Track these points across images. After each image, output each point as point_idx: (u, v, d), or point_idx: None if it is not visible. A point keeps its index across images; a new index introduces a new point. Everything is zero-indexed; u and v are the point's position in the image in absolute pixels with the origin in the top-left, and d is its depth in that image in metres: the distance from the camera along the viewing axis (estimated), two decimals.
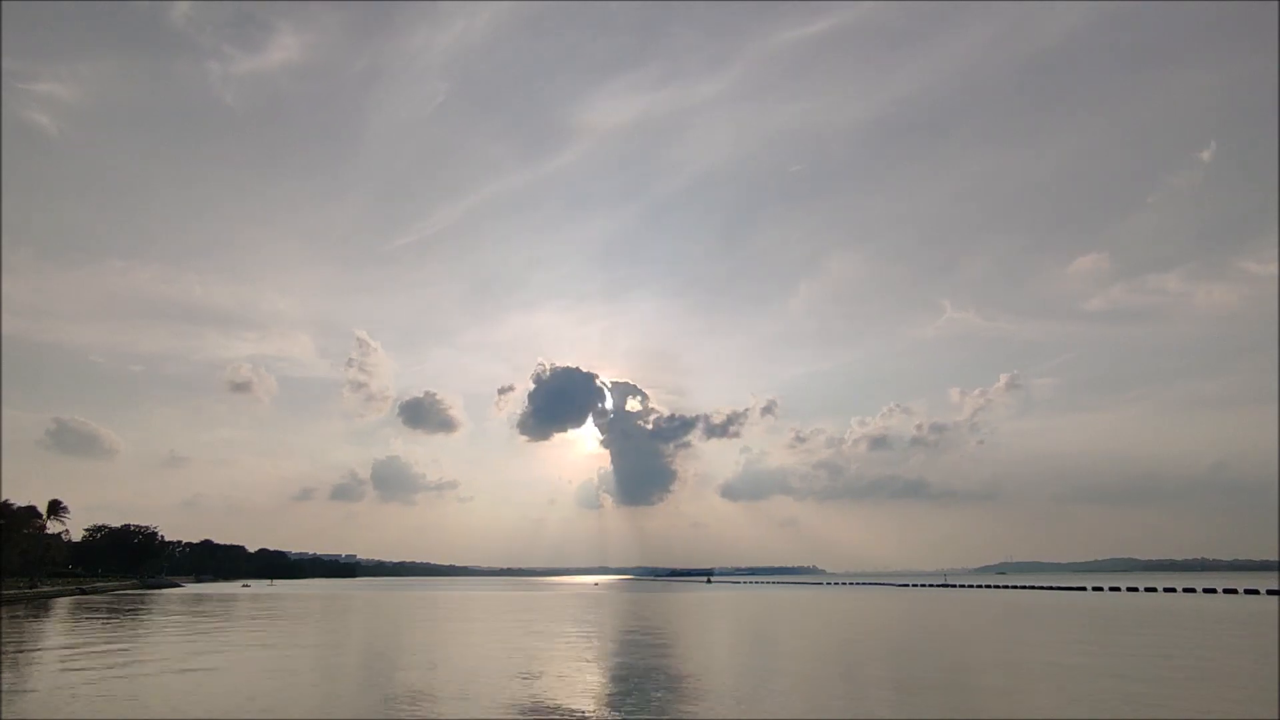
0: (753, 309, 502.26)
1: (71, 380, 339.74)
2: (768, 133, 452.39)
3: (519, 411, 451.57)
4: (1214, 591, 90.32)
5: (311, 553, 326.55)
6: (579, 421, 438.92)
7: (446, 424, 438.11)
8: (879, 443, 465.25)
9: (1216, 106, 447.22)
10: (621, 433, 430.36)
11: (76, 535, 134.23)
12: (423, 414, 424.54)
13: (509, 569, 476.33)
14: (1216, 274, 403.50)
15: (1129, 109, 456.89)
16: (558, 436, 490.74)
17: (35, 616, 50.23)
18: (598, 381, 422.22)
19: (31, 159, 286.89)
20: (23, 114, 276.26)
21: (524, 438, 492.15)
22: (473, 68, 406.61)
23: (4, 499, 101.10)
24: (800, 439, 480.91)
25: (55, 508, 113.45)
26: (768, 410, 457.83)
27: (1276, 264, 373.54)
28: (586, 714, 16.14)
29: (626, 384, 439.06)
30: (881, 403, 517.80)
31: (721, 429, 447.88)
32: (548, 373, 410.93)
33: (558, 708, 16.71)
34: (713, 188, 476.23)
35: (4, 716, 16.41)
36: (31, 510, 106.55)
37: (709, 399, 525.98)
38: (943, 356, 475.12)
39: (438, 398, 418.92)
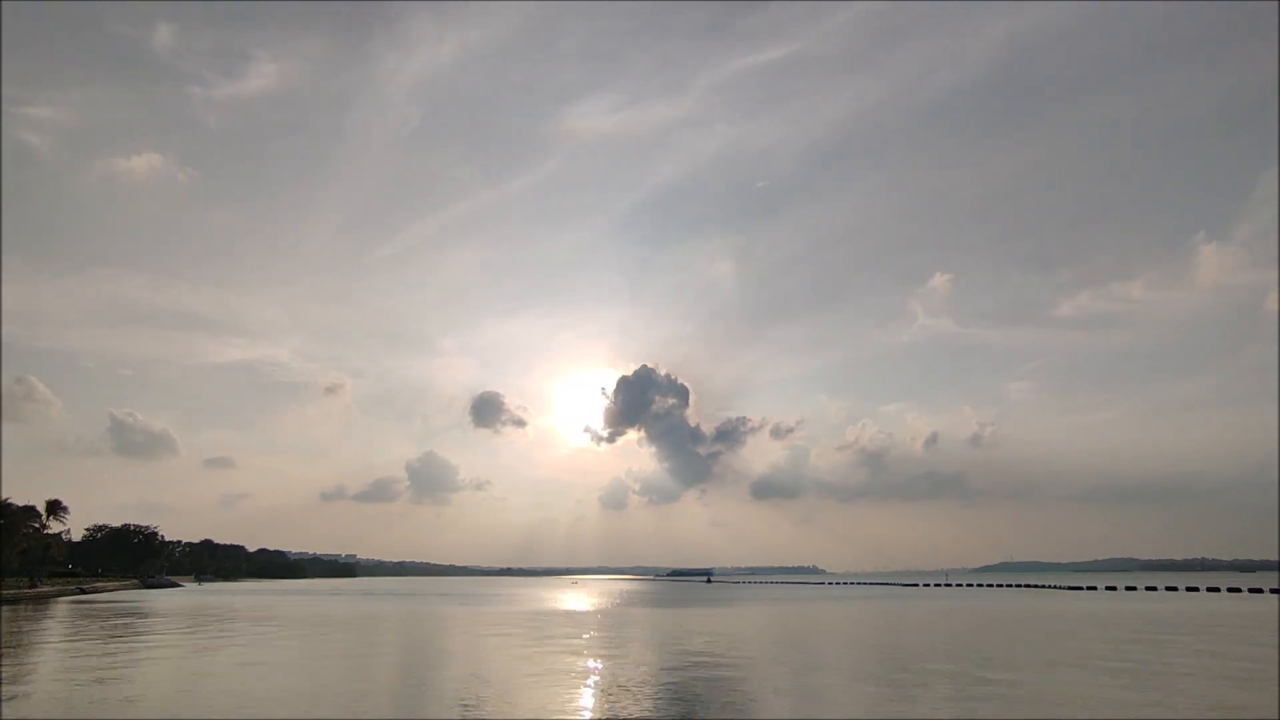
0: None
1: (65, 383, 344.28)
2: (717, 152, 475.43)
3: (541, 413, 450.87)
4: (1217, 590, 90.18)
5: (311, 553, 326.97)
6: (631, 421, 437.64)
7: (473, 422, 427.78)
8: (875, 444, 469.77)
9: (1172, 120, 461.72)
10: (659, 433, 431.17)
11: (76, 535, 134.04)
12: (483, 411, 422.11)
13: (509, 569, 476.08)
14: (1176, 282, 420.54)
15: (1074, 129, 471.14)
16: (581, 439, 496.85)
17: (35, 616, 50.04)
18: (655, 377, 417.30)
19: (23, 175, 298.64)
20: (16, 135, 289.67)
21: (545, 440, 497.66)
22: (441, 93, 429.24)
23: (4, 499, 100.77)
24: (799, 440, 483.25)
25: (55, 507, 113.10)
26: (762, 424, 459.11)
27: (1235, 272, 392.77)
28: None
29: (677, 382, 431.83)
30: (862, 406, 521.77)
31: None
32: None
33: None
34: (673, 203, 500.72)
35: (4, 717, 16.22)
36: (31, 510, 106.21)
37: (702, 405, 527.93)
38: (916, 363, 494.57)
39: (498, 396, 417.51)
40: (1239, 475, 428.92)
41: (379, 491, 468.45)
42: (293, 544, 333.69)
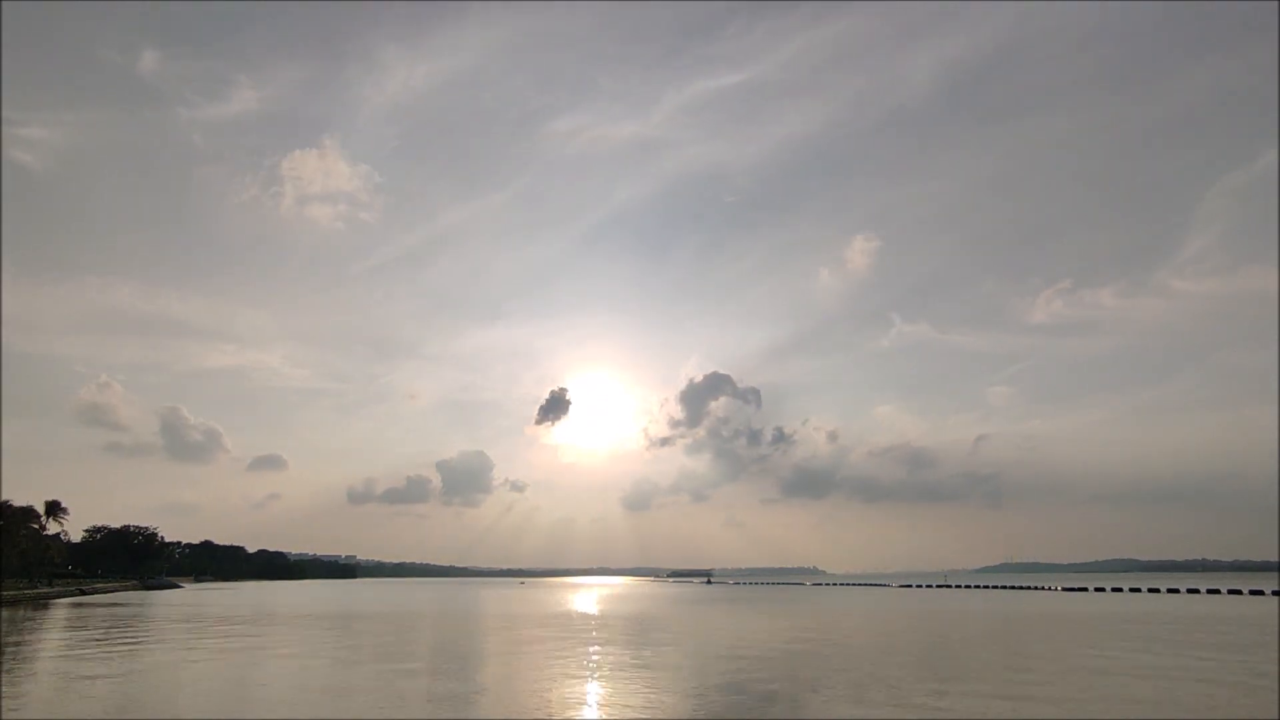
0: (688, 323, 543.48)
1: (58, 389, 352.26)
2: (679, 170, 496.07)
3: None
4: (1218, 592, 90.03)
5: (311, 553, 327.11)
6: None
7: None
8: (875, 445, 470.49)
9: (1126, 134, 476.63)
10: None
11: (76, 536, 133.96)
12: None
13: (510, 569, 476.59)
14: (1145, 289, 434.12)
15: (1026, 143, 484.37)
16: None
17: (34, 617, 49.93)
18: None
19: (15, 191, 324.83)
20: (11, 154, 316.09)
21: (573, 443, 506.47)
22: (416, 116, 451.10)
23: (4, 499, 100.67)
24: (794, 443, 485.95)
25: (54, 508, 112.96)
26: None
27: (1198, 280, 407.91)
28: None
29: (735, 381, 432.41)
30: (851, 409, 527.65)
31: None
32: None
33: None
34: (636, 217, 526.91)
35: (4, 717, 16.10)
36: (30, 511, 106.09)
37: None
38: (896, 368, 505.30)
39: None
40: (1228, 476, 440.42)
41: (406, 492, 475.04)
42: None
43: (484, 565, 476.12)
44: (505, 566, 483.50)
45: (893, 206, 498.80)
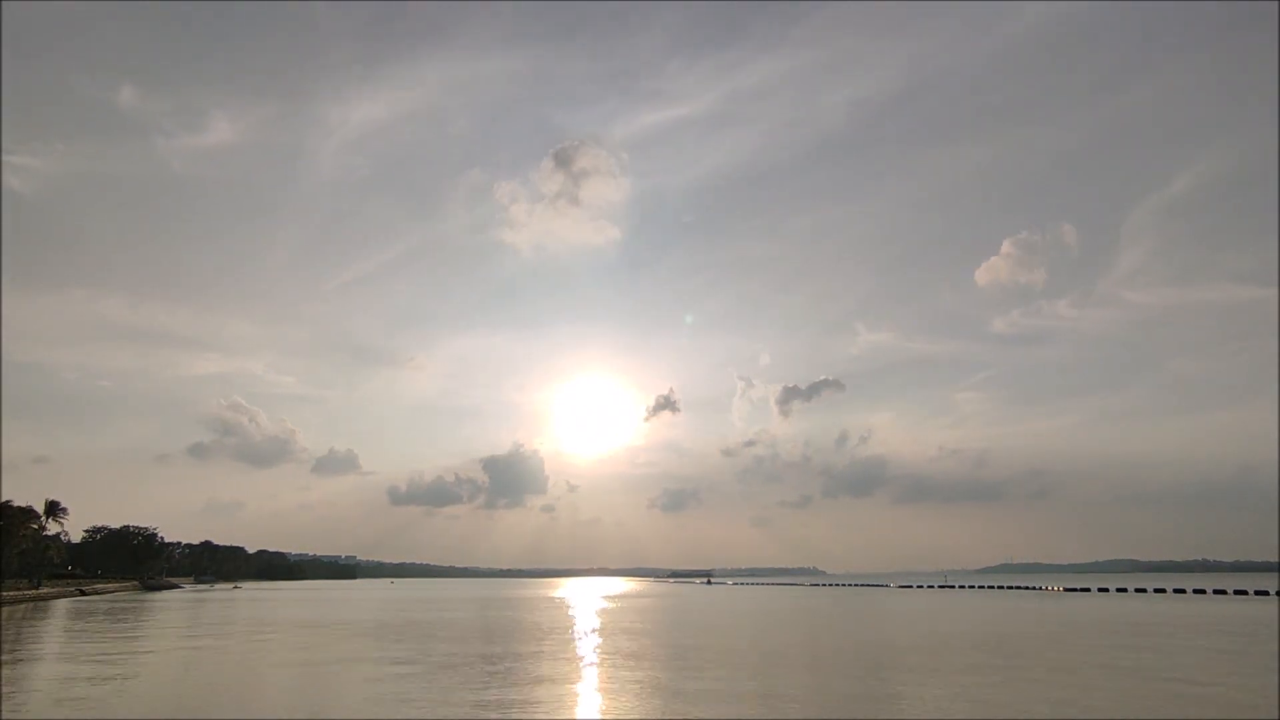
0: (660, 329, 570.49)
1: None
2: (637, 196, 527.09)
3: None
4: (1224, 593, 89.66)
5: (311, 553, 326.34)
6: None
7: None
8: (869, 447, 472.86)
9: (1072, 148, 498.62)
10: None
11: (75, 536, 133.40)
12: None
13: (510, 570, 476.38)
14: (1097, 300, 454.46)
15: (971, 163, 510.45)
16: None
17: (34, 619, 49.48)
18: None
19: (5, 213, 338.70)
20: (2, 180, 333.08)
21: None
22: (380, 146, 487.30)
23: (3, 500, 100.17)
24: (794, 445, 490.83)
25: (53, 509, 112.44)
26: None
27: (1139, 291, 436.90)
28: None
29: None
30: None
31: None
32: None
33: None
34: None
35: (4, 717, 15.77)
36: (29, 511, 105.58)
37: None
38: (862, 376, 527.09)
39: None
40: (1196, 478, 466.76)
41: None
42: (291, 545, 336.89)
43: (484, 565, 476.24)
44: (505, 567, 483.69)
45: (834, 223, 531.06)
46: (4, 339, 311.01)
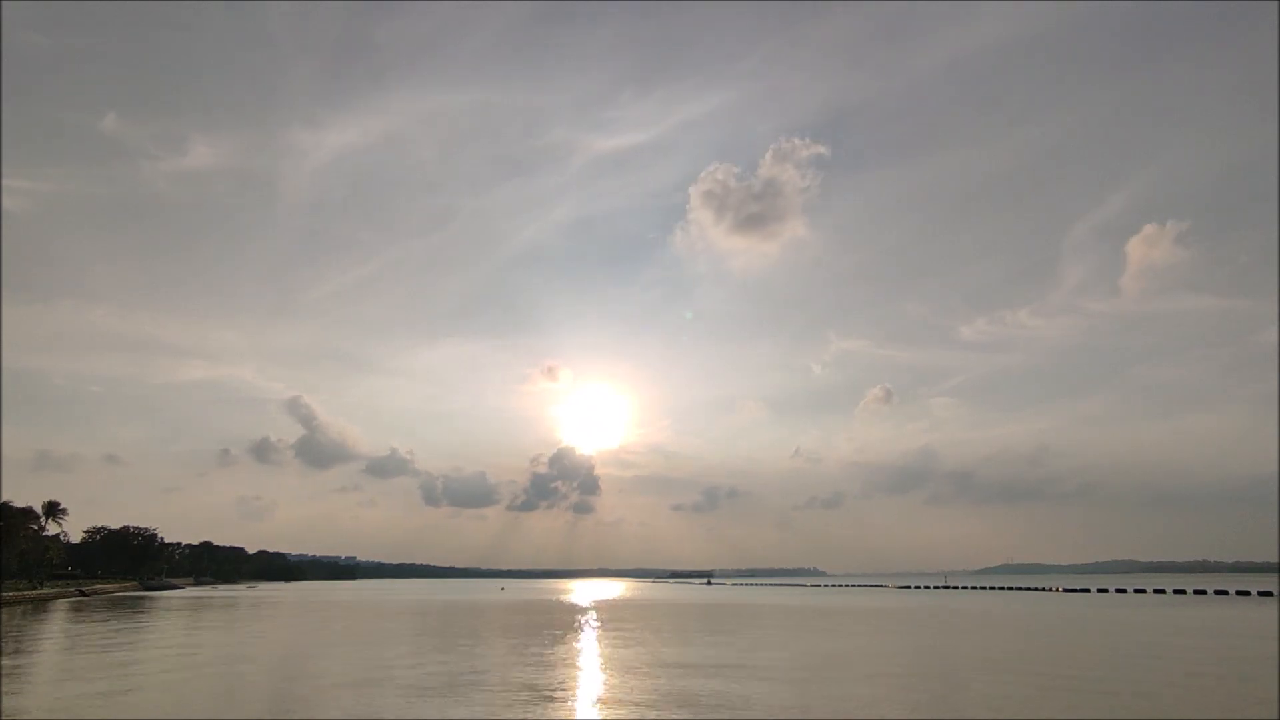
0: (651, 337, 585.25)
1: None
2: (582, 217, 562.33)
3: None
4: (1225, 594, 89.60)
5: (310, 554, 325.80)
6: None
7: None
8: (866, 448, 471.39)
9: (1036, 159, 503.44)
10: None
11: (75, 537, 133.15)
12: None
13: (511, 570, 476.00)
14: (1057, 309, 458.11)
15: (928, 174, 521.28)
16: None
17: (34, 620, 49.37)
18: None
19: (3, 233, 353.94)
20: None
21: None
22: (354, 167, 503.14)
23: (3, 500, 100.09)
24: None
25: (53, 509, 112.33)
26: None
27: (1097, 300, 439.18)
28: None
29: None
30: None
31: None
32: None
33: None
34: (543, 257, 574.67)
35: (4, 717, 15.72)
36: (29, 512, 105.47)
37: None
38: (830, 382, 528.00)
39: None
40: (1174, 479, 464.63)
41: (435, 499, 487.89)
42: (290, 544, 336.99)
43: (482, 566, 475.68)
44: (504, 567, 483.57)
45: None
46: (3, 347, 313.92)
